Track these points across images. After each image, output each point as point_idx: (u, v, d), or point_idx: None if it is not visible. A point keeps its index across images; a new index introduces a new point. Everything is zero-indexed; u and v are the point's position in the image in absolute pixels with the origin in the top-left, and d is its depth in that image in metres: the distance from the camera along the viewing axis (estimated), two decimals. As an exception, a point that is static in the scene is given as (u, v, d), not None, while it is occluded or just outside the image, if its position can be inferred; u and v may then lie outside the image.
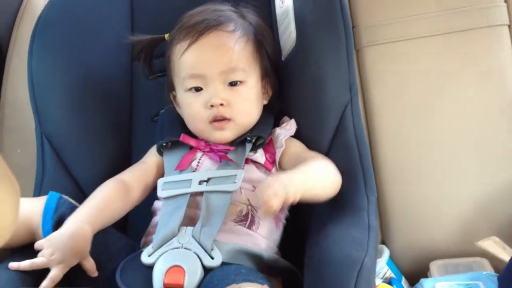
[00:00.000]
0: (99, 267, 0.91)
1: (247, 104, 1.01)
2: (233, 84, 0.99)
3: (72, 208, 0.94)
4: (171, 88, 1.07)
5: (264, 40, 1.06)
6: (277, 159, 1.01)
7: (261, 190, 0.82)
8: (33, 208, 0.94)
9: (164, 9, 1.22)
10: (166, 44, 1.08)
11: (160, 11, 1.23)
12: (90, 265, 0.89)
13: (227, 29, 1.00)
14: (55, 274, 0.86)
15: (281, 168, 1.01)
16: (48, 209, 0.93)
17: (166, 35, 1.09)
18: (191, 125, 1.04)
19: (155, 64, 1.16)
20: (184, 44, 1.00)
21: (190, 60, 1.00)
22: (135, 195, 1.01)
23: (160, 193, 0.98)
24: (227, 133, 1.00)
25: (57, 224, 0.91)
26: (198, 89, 1.00)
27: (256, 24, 1.06)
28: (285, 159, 1.01)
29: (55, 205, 0.94)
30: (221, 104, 0.98)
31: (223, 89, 0.99)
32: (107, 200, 0.97)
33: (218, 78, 0.98)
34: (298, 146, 1.03)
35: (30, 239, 0.93)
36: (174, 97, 1.08)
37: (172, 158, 1.02)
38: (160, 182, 0.99)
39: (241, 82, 1.00)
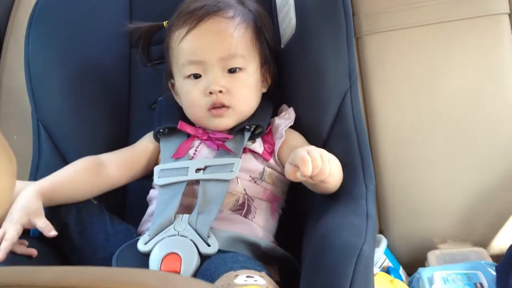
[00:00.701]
0: (97, 246, 0.92)
1: (246, 91, 1.00)
2: (232, 71, 0.98)
3: None
4: (170, 75, 1.06)
5: (264, 27, 1.05)
6: (276, 149, 1.00)
7: (310, 152, 0.82)
8: None
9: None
10: (165, 31, 1.07)
11: None
12: (42, 224, 0.88)
13: (227, 15, 1.00)
14: (9, 233, 0.85)
15: (279, 159, 1.00)
16: None
17: (165, 22, 1.08)
18: (189, 112, 1.03)
19: (153, 51, 1.15)
20: (182, 31, 0.99)
21: (189, 46, 0.99)
22: (111, 175, 1.01)
23: (156, 180, 0.97)
24: (226, 121, 1.00)
25: None
26: (197, 76, 0.99)
27: (255, 11, 1.05)
28: (284, 150, 1.00)
29: None
30: (220, 91, 0.97)
31: (222, 75, 0.98)
32: (70, 174, 0.98)
33: (217, 64, 0.97)
34: (298, 139, 1.02)
35: None
36: (172, 85, 1.07)
37: (169, 146, 1.02)
38: (157, 169, 0.99)
39: (240, 69, 0.99)
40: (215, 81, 0.97)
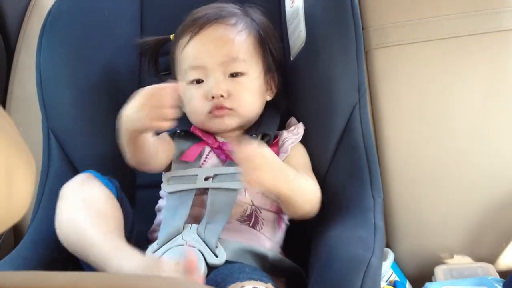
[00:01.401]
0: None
1: (247, 94, 1.01)
2: (234, 75, 0.99)
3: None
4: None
5: (268, 37, 1.06)
6: None
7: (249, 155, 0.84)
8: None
9: (173, 6, 1.22)
10: (171, 43, 1.09)
11: (169, 9, 1.23)
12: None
13: (229, 22, 1.02)
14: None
15: None
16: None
17: (172, 36, 1.10)
18: (192, 118, 1.03)
19: (161, 62, 1.16)
20: (185, 39, 1.02)
21: (191, 52, 1.01)
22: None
23: (165, 187, 0.97)
24: (227, 121, 1.00)
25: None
26: (199, 81, 1.01)
27: (259, 21, 1.06)
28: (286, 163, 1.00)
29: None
30: (222, 96, 0.98)
31: (224, 80, 0.99)
32: None
33: (218, 69, 0.99)
34: (302, 158, 1.02)
35: None
36: None
37: (181, 145, 1.02)
38: (166, 176, 0.99)
39: (242, 73, 1.00)
40: (217, 85, 0.98)
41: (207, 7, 1.05)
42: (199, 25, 1.01)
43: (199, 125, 1.03)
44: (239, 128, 1.03)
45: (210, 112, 0.99)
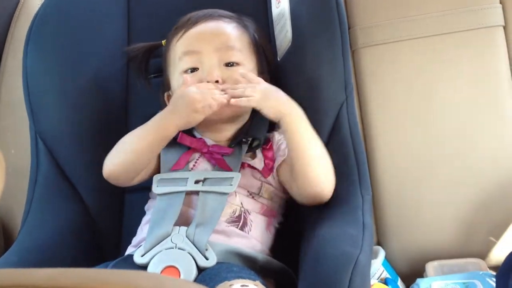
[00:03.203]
0: None
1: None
2: (229, 64, 0.99)
3: None
4: (167, 87, 1.06)
5: (262, 41, 1.06)
6: (276, 166, 0.99)
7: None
8: None
9: (160, 8, 1.22)
10: (163, 49, 1.08)
11: (156, 10, 1.23)
12: None
13: (224, 20, 1.02)
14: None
15: (277, 175, 1.00)
16: None
17: (163, 41, 1.09)
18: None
19: (150, 64, 1.16)
20: (180, 34, 1.01)
21: (185, 41, 1.00)
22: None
23: (155, 189, 0.97)
24: (226, 110, 0.97)
25: None
26: (193, 70, 0.99)
27: (252, 27, 1.06)
28: (283, 167, 0.99)
29: None
30: (217, 82, 0.96)
31: (219, 67, 0.98)
32: None
33: (214, 55, 0.98)
34: None
35: None
36: (169, 97, 1.06)
37: (168, 156, 1.01)
38: (156, 178, 0.98)
39: (237, 63, 0.99)
40: (211, 71, 0.96)
41: (200, 11, 1.05)
42: (194, 20, 1.01)
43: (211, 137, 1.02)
44: (230, 122, 1.01)
45: None
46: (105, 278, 0.26)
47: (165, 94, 1.07)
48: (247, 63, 1.01)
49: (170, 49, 1.04)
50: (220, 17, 1.02)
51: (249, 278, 0.79)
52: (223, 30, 1.00)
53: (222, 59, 0.98)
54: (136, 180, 1.01)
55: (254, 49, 1.03)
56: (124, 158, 0.97)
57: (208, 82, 0.96)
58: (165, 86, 1.07)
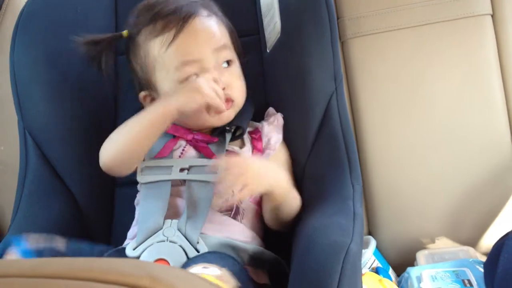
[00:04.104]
0: None
1: (240, 82, 1.01)
2: (225, 65, 0.98)
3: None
4: (145, 86, 1.02)
5: (232, 27, 1.05)
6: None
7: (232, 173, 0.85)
8: None
9: None
10: (129, 41, 1.03)
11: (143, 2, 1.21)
12: None
13: (204, 14, 0.99)
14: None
15: None
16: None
17: (125, 32, 1.03)
18: (191, 116, 0.96)
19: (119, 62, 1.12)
20: (168, 36, 0.96)
21: (180, 48, 0.96)
22: None
23: (139, 178, 0.96)
24: (227, 113, 0.98)
25: None
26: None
27: (218, 12, 1.04)
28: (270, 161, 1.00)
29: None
30: (223, 88, 0.96)
31: (220, 72, 0.97)
32: None
33: (212, 58, 0.96)
34: (283, 157, 1.03)
35: None
36: (146, 96, 1.03)
37: (154, 144, 0.99)
38: (140, 166, 0.97)
39: (231, 61, 0.99)
40: (217, 79, 0.95)
41: (162, 1, 1.00)
42: (181, 20, 0.96)
43: (194, 125, 1.00)
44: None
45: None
46: (90, 266, 0.26)
47: (143, 94, 1.03)
48: (235, 58, 1.01)
49: (153, 54, 0.98)
50: (198, 11, 0.98)
51: (217, 264, 0.78)
52: (212, 28, 0.98)
53: (219, 59, 0.98)
54: (131, 170, 0.98)
55: (232, 36, 1.03)
56: (123, 145, 0.94)
57: None
58: (143, 85, 1.03)
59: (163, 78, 0.98)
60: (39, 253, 0.85)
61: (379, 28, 1.25)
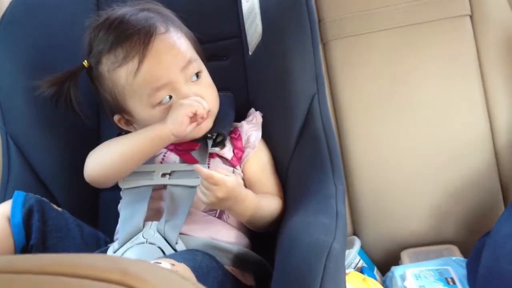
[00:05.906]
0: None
1: (212, 91, 1.00)
2: (194, 78, 0.97)
3: (40, 201, 0.91)
4: (117, 111, 1.01)
5: (190, 33, 1.03)
6: (244, 158, 1.00)
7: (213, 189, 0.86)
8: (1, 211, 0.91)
9: (129, 4, 1.21)
10: (91, 70, 1.01)
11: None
12: None
13: (162, 31, 0.96)
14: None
15: (244, 167, 1.01)
16: (16, 203, 0.90)
17: (85, 62, 1.01)
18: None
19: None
20: (132, 64, 0.93)
21: (149, 75, 0.93)
22: None
23: (121, 183, 0.97)
24: (204, 125, 0.98)
25: (27, 216, 0.89)
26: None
27: (176, 19, 1.02)
28: (251, 162, 1.01)
29: (22, 199, 0.91)
30: None
31: (190, 86, 0.96)
32: None
33: (181, 76, 0.95)
34: (265, 156, 1.03)
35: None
36: (121, 119, 1.02)
37: None
38: None
39: (200, 72, 0.99)
40: (187, 95, 0.95)
41: (120, 21, 0.96)
42: (141, 45, 0.93)
43: (176, 140, 0.98)
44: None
45: (191, 123, 0.94)
46: (61, 261, 0.26)
47: (117, 118, 1.02)
48: (202, 66, 1.00)
49: (121, 83, 0.95)
50: (155, 30, 0.95)
51: (176, 260, 0.76)
52: (174, 46, 0.96)
53: (187, 75, 0.96)
54: (114, 183, 0.99)
55: (194, 46, 1.02)
56: (110, 162, 0.95)
57: None
58: (115, 110, 1.01)
59: (137, 105, 0.97)
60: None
61: (360, 30, 1.26)
